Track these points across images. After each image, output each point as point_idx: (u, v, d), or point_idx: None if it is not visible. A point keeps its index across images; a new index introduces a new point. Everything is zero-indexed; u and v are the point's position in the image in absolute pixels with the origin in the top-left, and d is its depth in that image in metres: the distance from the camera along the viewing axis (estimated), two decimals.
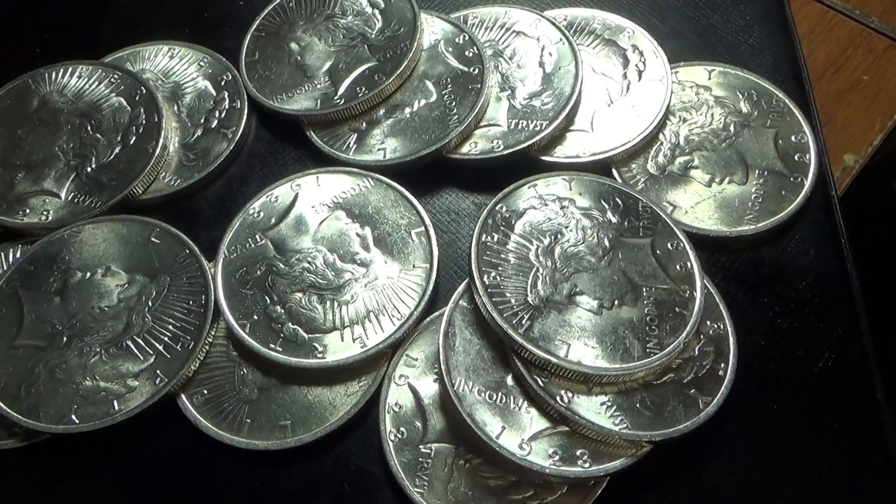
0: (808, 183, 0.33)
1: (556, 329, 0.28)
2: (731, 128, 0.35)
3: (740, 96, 0.35)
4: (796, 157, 0.34)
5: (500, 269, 0.29)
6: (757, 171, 0.33)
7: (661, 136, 0.35)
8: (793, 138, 0.34)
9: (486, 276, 0.29)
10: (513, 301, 0.28)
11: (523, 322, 0.27)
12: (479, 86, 0.34)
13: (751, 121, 0.35)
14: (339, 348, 0.29)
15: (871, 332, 0.31)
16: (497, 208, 0.31)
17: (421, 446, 0.28)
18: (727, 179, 0.33)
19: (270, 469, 0.28)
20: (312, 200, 0.33)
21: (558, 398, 0.26)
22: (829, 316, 0.31)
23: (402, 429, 0.28)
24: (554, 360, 0.26)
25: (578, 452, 0.26)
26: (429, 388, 0.29)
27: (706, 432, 0.28)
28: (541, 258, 0.29)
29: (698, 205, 0.33)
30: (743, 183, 0.33)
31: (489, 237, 0.30)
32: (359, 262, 0.31)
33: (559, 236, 0.30)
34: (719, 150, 0.34)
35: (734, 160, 0.34)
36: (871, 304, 0.32)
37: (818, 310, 0.31)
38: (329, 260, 0.31)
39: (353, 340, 0.29)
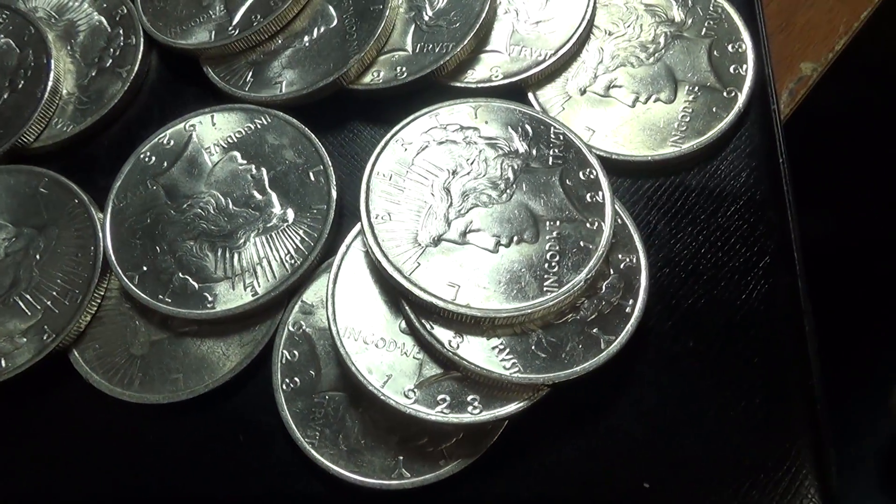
0: (742, 97, 0.30)
1: (445, 270, 0.26)
2: (662, 39, 0.31)
3: (674, 2, 0.32)
4: (731, 69, 0.30)
5: (392, 207, 0.27)
6: (687, 87, 0.30)
7: (582, 53, 0.32)
8: (729, 48, 0.31)
9: (375, 216, 0.27)
10: (403, 241, 0.26)
11: (411, 263, 0.26)
12: (381, 7, 0.31)
13: (684, 30, 0.31)
14: (229, 297, 0.28)
15: (806, 261, 0.29)
16: (393, 141, 0.28)
17: (314, 395, 0.27)
18: (653, 98, 0.30)
19: (164, 423, 0.27)
20: (207, 142, 0.31)
21: (447, 343, 0.25)
22: (757, 244, 0.28)
23: (295, 378, 0.27)
24: (440, 303, 0.25)
25: (469, 398, 0.25)
26: (325, 336, 0.28)
27: (614, 373, 0.26)
28: (436, 194, 0.27)
29: (620, 128, 0.30)
30: (671, 101, 0.30)
31: (383, 173, 0.28)
32: (253, 205, 0.29)
33: (459, 169, 0.28)
34: (646, 65, 0.31)
35: (662, 76, 0.31)
36: (811, 229, 0.30)
37: (745, 238, 0.28)
38: (222, 204, 0.30)
39: (245, 289, 0.28)
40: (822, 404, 0.26)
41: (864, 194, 0.35)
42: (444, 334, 0.25)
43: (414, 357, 0.26)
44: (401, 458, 0.26)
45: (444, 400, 0.25)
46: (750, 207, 0.29)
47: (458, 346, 0.25)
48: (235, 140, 0.31)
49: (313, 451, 0.26)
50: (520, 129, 0.29)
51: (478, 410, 0.25)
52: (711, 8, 0.31)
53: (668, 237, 0.29)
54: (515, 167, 0.28)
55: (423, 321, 0.25)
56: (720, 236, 0.29)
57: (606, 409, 0.26)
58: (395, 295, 0.26)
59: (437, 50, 0.31)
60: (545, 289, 0.25)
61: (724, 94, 0.30)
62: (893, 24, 0.37)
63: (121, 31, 0.34)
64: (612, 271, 0.27)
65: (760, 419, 0.26)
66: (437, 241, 0.26)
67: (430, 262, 0.26)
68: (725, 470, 0.26)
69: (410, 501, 0.26)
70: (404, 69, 0.31)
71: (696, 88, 0.30)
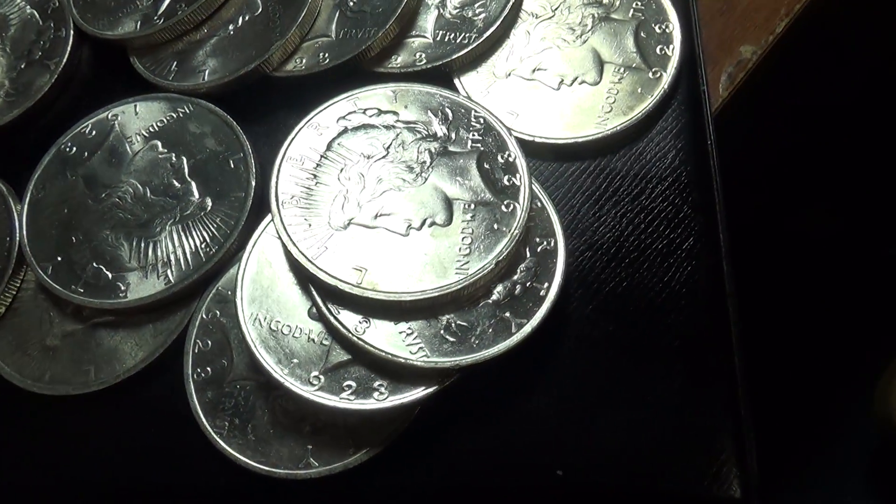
0: (667, 78, 0.29)
1: (354, 254, 0.25)
2: (589, 21, 0.31)
3: None
4: (658, 50, 0.30)
5: (303, 191, 0.27)
6: (613, 69, 0.30)
7: (510, 36, 0.31)
8: (657, 29, 0.30)
9: (283, 201, 0.26)
10: (312, 226, 0.26)
11: (318, 247, 0.25)
12: None
13: (612, 12, 0.31)
14: (142, 287, 0.27)
15: (732, 242, 0.28)
16: (307, 126, 0.28)
17: (225, 385, 0.26)
18: (578, 80, 0.30)
19: (76, 414, 0.27)
20: (129, 131, 0.31)
21: (353, 328, 0.24)
22: (681, 227, 0.28)
23: (207, 367, 0.27)
24: (345, 286, 0.24)
25: (376, 384, 0.24)
26: (238, 325, 0.27)
27: (531, 358, 0.26)
28: (350, 178, 0.27)
29: (544, 110, 0.29)
30: (596, 83, 0.30)
31: (294, 158, 0.27)
32: (171, 194, 0.29)
33: (375, 153, 0.27)
34: (573, 47, 0.30)
35: (588, 58, 0.30)
36: (739, 210, 0.29)
37: (670, 220, 0.28)
38: (140, 193, 0.29)
39: (159, 277, 0.28)
40: (744, 389, 0.25)
41: (798, 181, 0.35)
42: (350, 319, 0.25)
43: (322, 343, 0.25)
44: (310, 447, 0.25)
45: (349, 387, 0.24)
46: (675, 189, 0.28)
47: (364, 332, 0.24)
48: (157, 129, 0.31)
49: (221, 441, 0.25)
50: (440, 112, 0.28)
51: (384, 397, 0.24)
52: None
53: (592, 220, 0.28)
54: (433, 150, 0.27)
55: (329, 306, 0.25)
56: (644, 219, 0.28)
57: (522, 394, 0.26)
58: (304, 280, 0.26)
59: (360, 35, 0.30)
60: (455, 272, 0.25)
61: (650, 75, 0.29)
62: (838, 5, 0.36)
63: (52, 24, 0.34)
64: (528, 254, 0.26)
65: (680, 404, 0.25)
66: (346, 225, 0.26)
67: (338, 245, 0.25)
68: (643, 456, 0.25)
69: (319, 490, 0.25)
70: (327, 55, 0.31)
71: (622, 70, 0.30)
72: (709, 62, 0.34)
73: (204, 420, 0.26)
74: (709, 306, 0.26)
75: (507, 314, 0.25)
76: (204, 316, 0.27)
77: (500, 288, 0.26)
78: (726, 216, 0.28)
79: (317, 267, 0.25)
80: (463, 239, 0.26)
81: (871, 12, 0.36)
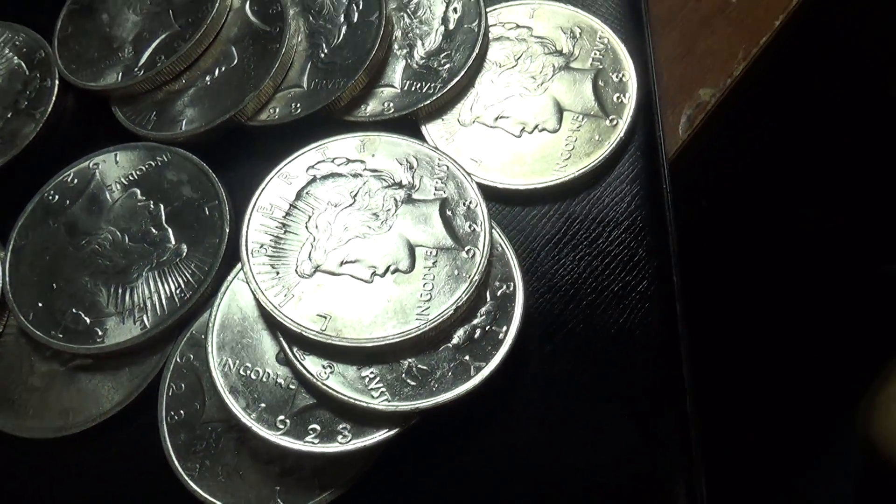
0: (623, 125, 0.30)
1: (318, 301, 0.26)
2: (550, 70, 0.32)
3: (562, 34, 0.33)
4: (615, 98, 0.31)
5: (271, 240, 0.28)
6: (571, 116, 0.31)
7: (475, 85, 0.32)
8: (614, 77, 0.32)
9: (255, 248, 0.27)
10: (280, 274, 0.27)
11: (284, 295, 0.26)
12: (278, 46, 0.32)
13: (571, 61, 0.32)
14: (119, 332, 0.28)
15: (685, 284, 0.29)
16: (277, 176, 0.29)
17: (197, 427, 0.27)
18: (539, 128, 0.31)
19: (53, 457, 0.28)
20: (109, 179, 0.32)
21: (317, 373, 0.25)
22: (636, 269, 0.29)
23: (180, 410, 0.28)
24: (309, 333, 0.25)
25: (340, 427, 0.25)
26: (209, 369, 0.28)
27: (491, 399, 0.27)
28: (318, 226, 0.28)
29: (506, 157, 0.31)
30: (555, 130, 0.31)
31: (264, 207, 0.28)
32: (149, 241, 0.30)
33: (342, 202, 0.29)
34: (534, 96, 0.32)
35: (548, 106, 0.31)
36: (695, 254, 0.30)
37: (625, 263, 0.29)
38: (118, 240, 0.30)
39: (135, 323, 0.29)
40: (696, 430, 0.26)
41: (755, 219, 0.36)
42: (315, 364, 0.26)
43: (289, 387, 0.26)
44: (277, 488, 0.26)
45: (314, 430, 0.25)
46: (631, 233, 0.29)
47: (328, 377, 0.25)
48: (136, 177, 0.32)
49: (192, 483, 0.26)
50: (405, 161, 0.30)
51: (347, 440, 0.25)
52: (598, 40, 0.32)
53: (551, 263, 0.29)
54: (397, 198, 0.29)
55: (295, 351, 0.26)
56: (601, 262, 0.29)
57: (482, 434, 0.27)
58: (272, 326, 0.27)
59: (330, 86, 0.32)
60: (416, 318, 0.26)
61: (607, 122, 0.31)
62: (793, 46, 0.37)
63: (38, 74, 0.36)
64: (488, 298, 0.28)
65: (635, 443, 0.26)
66: (313, 272, 0.27)
67: (304, 293, 0.27)
68: (599, 495, 0.26)
69: None
70: (299, 105, 0.32)
71: (581, 117, 0.31)
72: (669, 105, 0.35)
73: (176, 462, 0.26)
74: (662, 348, 0.27)
75: (467, 357, 0.26)
76: (178, 360, 0.28)
77: (460, 332, 0.27)
78: (680, 259, 0.29)
79: (282, 314, 0.26)
80: (424, 285, 0.27)
81: (825, 54, 0.37)
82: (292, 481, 0.26)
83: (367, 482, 0.26)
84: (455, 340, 0.26)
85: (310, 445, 0.25)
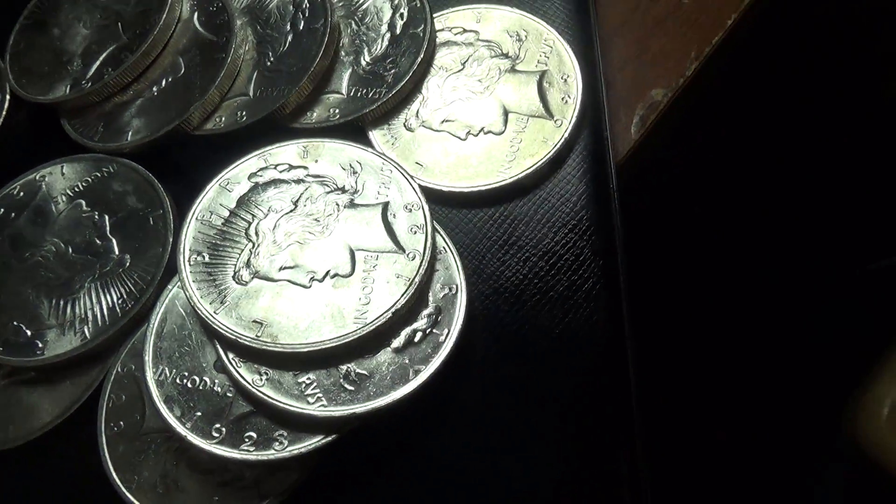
0: (568, 125, 0.30)
1: (256, 307, 0.26)
2: (496, 73, 0.32)
3: (509, 37, 0.33)
4: (560, 99, 0.31)
5: (213, 247, 0.28)
6: (516, 118, 0.31)
7: (422, 89, 0.32)
8: (559, 78, 0.31)
9: (193, 256, 0.27)
10: (217, 281, 0.27)
11: (220, 302, 0.26)
12: (224, 56, 0.32)
13: (517, 63, 0.32)
14: (59, 344, 0.28)
15: (632, 284, 0.29)
16: (217, 184, 0.29)
17: (137, 439, 0.27)
18: (485, 130, 0.31)
19: None
20: (55, 191, 0.32)
21: (254, 379, 0.25)
22: (581, 269, 0.29)
23: (120, 421, 0.27)
24: (245, 340, 0.25)
25: (276, 434, 0.25)
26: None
27: (435, 402, 0.26)
28: (258, 233, 0.28)
29: (451, 161, 0.30)
30: (501, 132, 0.31)
31: (203, 215, 0.28)
32: (92, 252, 0.30)
33: (284, 208, 0.28)
34: (480, 99, 0.32)
35: (494, 109, 0.31)
36: (642, 253, 0.30)
37: (571, 263, 0.29)
38: (62, 251, 0.30)
39: (76, 334, 0.28)
40: (640, 430, 0.26)
41: (708, 221, 0.36)
42: (250, 372, 0.25)
43: (226, 395, 0.26)
44: (216, 498, 0.25)
45: (250, 437, 0.25)
46: (577, 232, 0.29)
47: (263, 384, 0.25)
48: (82, 188, 0.32)
49: (129, 495, 0.26)
50: (349, 166, 0.30)
51: (283, 447, 0.25)
52: (544, 42, 0.32)
53: (497, 265, 0.29)
54: (339, 203, 0.28)
55: (231, 359, 0.25)
56: (547, 262, 0.29)
57: (426, 438, 0.26)
58: (209, 334, 0.26)
59: (275, 94, 0.32)
60: (353, 322, 0.26)
61: (553, 123, 0.31)
62: (746, 45, 0.37)
63: None
64: (431, 301, 0.27)
65: (580, 445, 0.26)
66: (251, 279, 0.27)
67: (240, 300, 0.26)
68: (544, 496, 0.25)
69: None
70: (244, 113, 0.32)
71: (526, 119, 0.31)
72: (622, 106, 0.35)
73: (114, 474, 0.26)
74: (607, 348, 0.27)
75: (406, 361, 0.26)
76: (119, 370, 0.28)
77: (401, 336, 0.26)
78: (627, 259, 0.29)
79: (217, 321, 0.25)
80: (364, 289, 0.26)
81: (778, 53, 0.37)
82: (231, 491, 0.25)
83: (307, 490, 0.25)
84: (395, 344, 0.26)
85: (245, 453, 0.24)
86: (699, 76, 0.37)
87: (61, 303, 0.29)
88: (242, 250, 0.27)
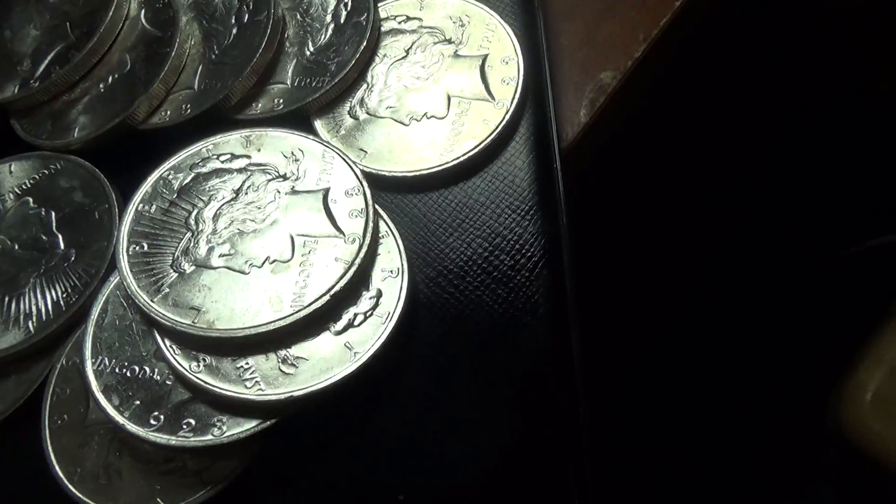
0: (510, 107, 0.30)
1: (193, 294, 0.26)
2: (439, 59, 0.32)
3: (451, 23, 0.33)
4: (501, 81, 0.31)
5: (153, 237, 0.28)
6: (458, 102, 0.31)
7: (367, 78, 0.33)
8: (501, 62, 0.32)
9: (131, 247, 0.27)
10: (155, 270, 0.27)
11: (157, 289, 0.26)
12: (168, 50, 0.33)
13: (459, 48, 0.32)
14: (3, 339, 0.28)
15: (577, 260, 0.29)
16: (159, 174, 0.29)
17: (81, 431, 0.27)
18: (427, 115, 0.31)
19: None
20: (3, 190, 0.32)
21: (190, 366, 0.25)
22: (524, 250, 0.28)
23: (64, 414, 0.27)
24: (181, 326, 0.25)
25: (215, 420, 0.25)
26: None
27: (378, 385, 0.26)
28: (199, 222, 0.28)
29: (395, 146, 0.30)
30: (443, 116, 0.31)
31: (144, 204, 0.28)
32: (38, 247, 0.30)
33: (224, 196, 0.28)
34: (423, 85, 0.32)
35: (437, 94, 0.31)
36: (589, 228, 0.30)
37: (513, 244, 0.29)
38: (8, 248, 0.30)
39: (20, 329, 0.28)
40: (584, 411, 0.25)
41: (655, 200, 0.36)
42: (188, 358, 0.25)
43: (165, 383, 0.26)
44: (157, 487, 0.25)
45: (189, 424, 0.25)
46: (520, 213, 0.29)
47: (201, 369, 0.25)
48: (29, 186, 0.32)
49: (71, 487, 0.26)
50: (290, 153, 0.30)
51: (222, 432, 0.25)
52: (486, 27, 0.32)
53: (441, 248, 0.29)
54: (280, 191, 0.29)
55: (169, 346, 0.25)
56: (490, 243, 0.29)
57: (368, 421, 0.26)
58: (148, 322, 0.26)
59: (219, 85, 0.32)
60: (290, 305, 0.26)
61: (494, 105, 0.31)
62: (694, 26, 0.38)
63: None
64: (371, 285, 0.27)
65: (522, 426, 0.26)
66: (190, 267, 0.27)
67: (178, 287, 0.26)
68: (485, 478, 0.25)
69: None
70: (189, 106, 0.32)
71: (468, 102, 0.31)
72: (571, 90, 0.35)
73: (56, 466, 0.26)
74: (550, 329, 0.27)
75: (346, 343, 0.26)
76: (64, 363, 0.28)
77: (342, 319, 0.26)
78: (571, 238, 0.29)
79: (154, 308, 0.25)
80: (301, 273, 0.26)
81: (726, 34, 0.37)
82: (173, 479, 0.25)
83: (249, 476, 0.25)
84: (336, 328, 0.26)
85: (182, 440, 0.24)
86: (647, 58, 0.37)
87: (6, 299, 0.29)
88: (182, 240, 0.27)
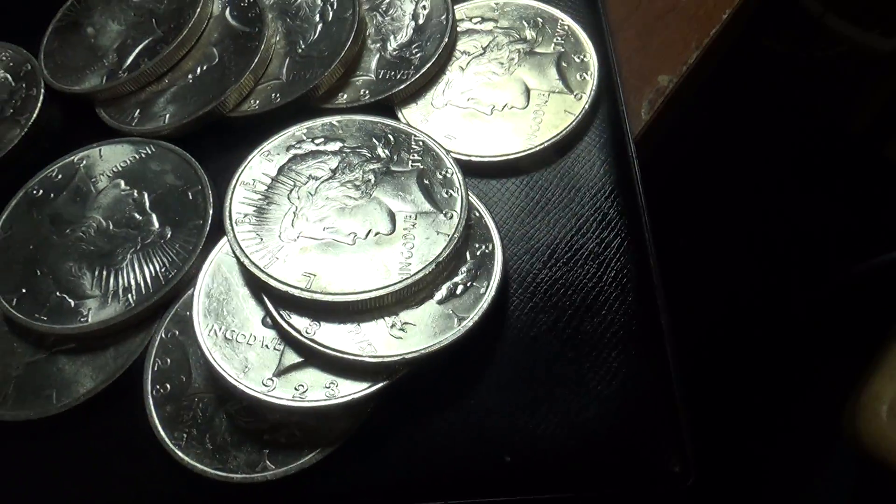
0: (587, 98, 0.32)
1: (304, 262, 0.27)
2: (516, 56, 0.34)
3: (526, 24, 0.35)
4: (578, 76, 0.33)
5: (257, 210, 0.29)
6: (538, 94, 0.33)
7: (446, 73, 0.34)
8: (576, 58, 0.34)
9: (238, 218, 0.28)
10: (264, 240, 0.28)
11: (269, 258, 0.27)
12: (258, 44, 0.34)
13: (535, 46, 0.34)
14: (104, 311, 0.29)
15: (657, 244, 0.30)
16: (259, 154, 0.30)
17: (183, 399, 0.27)
18: (508, 106, 0.33)
19: (38, 439, 0.27)
20: (94, 173, 0.33)
21: (303, 330, 0.26)
22: (608, 228, 0.30)
23: (166, 384, 0.27)
24: (295, 291, 0.26)
25: (328, 383, 0.26)
26: (196, 342, 0.28)
27: (476, 354, 0.27)
28: (300, 197, 0.29)
29: (479, 133, 0.32)
30: (524, 107, 0.33)
31: (247, 182, 0.29)
32: (133, 226, 0.31)
33: (321, 175, 0.30)
34: (502, 79, 0.33)
35: (516, 87, 0.33)
36: (666, 215, 0.31)
37: (598, 223, 0.30)
38: (103, 227, 0.31)
39: (119, 302, 0.29)
40: (677, 376, 0.27)
41: (717, 185, 0.38)
42: (301, 322, 0.26)
43: (275, 348, 0.26)
44: (266, 451, 0.26)
45: (301, 386, 0.25)
46: (602, 196, 0.31)
47: (314, 333, 0.26)
48: (120, 169, 0.33)
49: (179, 452, 0.26)
50: (382, 138, 0.31)
51: (334, 394, 0.25)
52: (559, 27, 0.35)
53: (528, 227, 0.30)
54: (376, 170, 0.30)
55: (281, 312, 0.26)
56: (575, 223, 0.30)
57: (469, 388, 0.27)
58: (257, 290, 0.27)
59: (308, 76, 0.33)
60: (398, 273, 0.27)
61: (573, 97, 0.32)
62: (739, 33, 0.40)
63: (24, 85, 0.37)
64: (469, 258, 0.28)
65: (616, 392, 0.27)
66: (296, 238, 0.28)
67: (288, 256, 0.27)
68: (584, 442, 0.26)
69: (278, 493, 0.25)
70: (278, 95, 0.33)
71: (547, 94, 0.33)
72: (631, 92, 0.37)
73: (162, 433, 0.26)
74: (639, 299, 0.28)
75: (450, 311, 0.27)
76: (164, 335, 0.28)
77: (443, 289, 0.27)
78: (650, 217, 0.30)
79: (268, 275, 0.26)
80: (405, 244, 0.27)
81: (770, 39, 0.40)
82: (280, 443, 0.26)
83: (355, 441, 0.26)
84: (438, 296, 0.27)
85: (298, 401, 0.25)
86: (701, 63, 0.39)
87: (104, 273, 0.30)
88: (286, 213, 0.28)
